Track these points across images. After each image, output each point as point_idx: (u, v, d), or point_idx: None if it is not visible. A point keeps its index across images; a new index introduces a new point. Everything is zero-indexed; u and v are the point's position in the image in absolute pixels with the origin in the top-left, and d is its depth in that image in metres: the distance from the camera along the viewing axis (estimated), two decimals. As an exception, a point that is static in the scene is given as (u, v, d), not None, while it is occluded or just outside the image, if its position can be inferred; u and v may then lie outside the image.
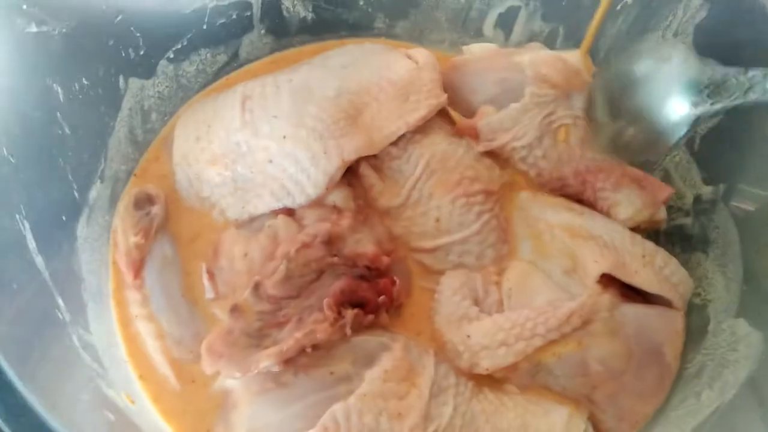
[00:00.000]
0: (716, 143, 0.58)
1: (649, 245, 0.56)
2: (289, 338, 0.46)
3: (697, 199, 0.60)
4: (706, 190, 0.59)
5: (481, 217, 0.57)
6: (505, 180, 0.60)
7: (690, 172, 0.61)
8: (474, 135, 0.60)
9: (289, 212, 0.56)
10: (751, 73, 0.45)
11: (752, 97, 0.45)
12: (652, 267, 0.54)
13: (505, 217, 0.59)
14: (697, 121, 0.48)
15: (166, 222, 0.57)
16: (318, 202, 0.56)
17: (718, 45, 0.58)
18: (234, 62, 0.71)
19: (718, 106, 0.47)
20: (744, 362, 0.48)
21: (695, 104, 0.48)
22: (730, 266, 0.55)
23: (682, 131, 0.49)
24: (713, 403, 0.47)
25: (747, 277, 0.53)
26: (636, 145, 0.54)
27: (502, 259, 0.57)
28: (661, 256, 0.55)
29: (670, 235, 0.63)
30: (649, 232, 0.64)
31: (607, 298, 0.51)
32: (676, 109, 0.49)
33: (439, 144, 0.59)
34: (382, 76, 0.61)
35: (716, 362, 0.51)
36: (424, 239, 0.57)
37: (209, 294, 0.53)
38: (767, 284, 0.51)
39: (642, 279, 0.53)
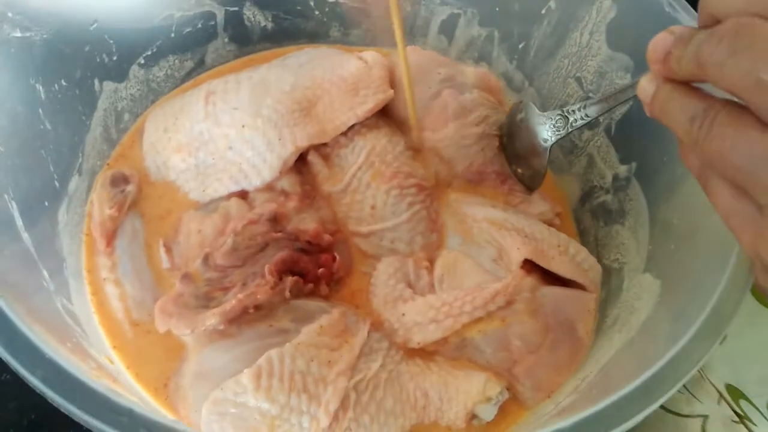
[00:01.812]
0: (629, 128, 0.66)
1: (563, 236, 0.63)
2: (233, 299, 0.52)
3: (615, 177, 0.67)
4: (622, 169, 0.66)
5: (411, 207, 0.63)
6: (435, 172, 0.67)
7: (609, 154, 0.68)
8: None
9: (243, 195, 0.62)
10: (570, 108, 0.60)
11: (577, 123, 0.60)
12: (566, 255, 0.61)
13: (436, 210, 0.66)
14: (551, 150, 0.64)
15: (139, 200, 0.63)
16: (269, 187, 0.62)
17: (626, 40, 0.66)
18: (200, 68, 0.78)
19: (559, 136, 0.62)
20: (645, 308, 0.54)
21: (545, 140, 0.63)
22: (640, 231, 0.62)
23: (545, 160, 0.65)
24: (620, 343, 0.54)
25: (652, 238, 0.60)
26: (527, 179, 0.68)
27: (431, 247, 0.64)
28: (573, 245, 0.62)
29: (595, 211, 0.70)
30: (578, 211, 0.73)
31: (529, 280, 0.58)
32: (537, 146, 0.64)
33: (380, 139, 0.65)
34: (335, 73, 0.68)
35: (626, 312, 0.57)
36: (360, 224, 0.63)
37: (165, 264, 0.59)
38: (667, 242, 0.58)
39: (558, 265, 0.60)
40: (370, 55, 0.72)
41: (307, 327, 0.52)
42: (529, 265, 0.59)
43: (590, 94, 0.70)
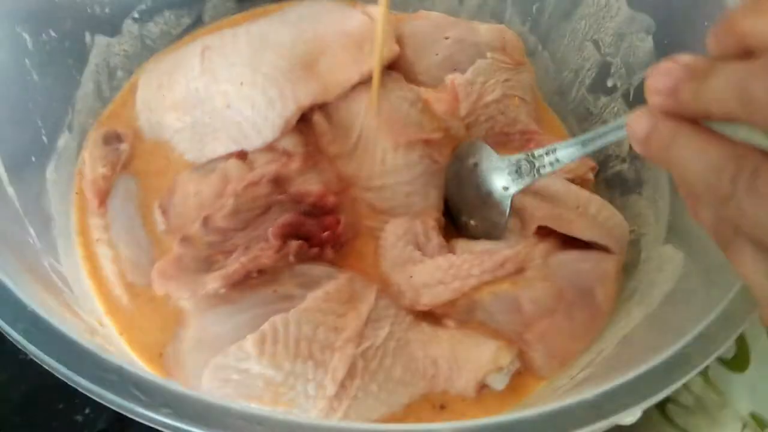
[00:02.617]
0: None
1: (584, 195, 0.59)
2: (235, 262, 0.49)
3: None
4: (640, 136, 0.63)
5: (422, 160, 0.60)
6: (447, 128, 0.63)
7: (626, 121, 0.65)
8: (456, 100, 0.63)
9: (241, 156, 0.59)
10: (536, 153, 0.53)
11: (545, 170, 0.53)
12: (586, 216, 0.57)
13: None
14: (511, 199, 0.56)
15: (132, 159, 0.60)
16: (270, 147, 0.59)
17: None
18: (197, 25, 0.74)
19: (523, 184, 0.55)
20: (668, 280, 0.52)
21: (506, 188, 0.56)
22: (660, 202, 0.59)
23: (506, 212, 0.56)
24: (640, 316, 0.51)
25: (673, 208, 0.57)
26: (481, 233, 0.59)
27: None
28: (594, 204, 0.58)
29: (610, 181, 0.67)
30: (593, 181, 0.70)
31: (542, 247, 0.55)
32: (494, 195, 0.57)
33: (387, 95, 0.61)
34: (338, 27, 0.64)
35: (645, 284, 0.55)
36: (371, 179, 0.60)
37: (161, 226, 0.56)
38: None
39: (576, 227, 0.56)
40: (375, 10, 0.68)
41: (313, 293, 0.50)
42: (546, 230, 0.56)
43: (608, 58, 0.67)
